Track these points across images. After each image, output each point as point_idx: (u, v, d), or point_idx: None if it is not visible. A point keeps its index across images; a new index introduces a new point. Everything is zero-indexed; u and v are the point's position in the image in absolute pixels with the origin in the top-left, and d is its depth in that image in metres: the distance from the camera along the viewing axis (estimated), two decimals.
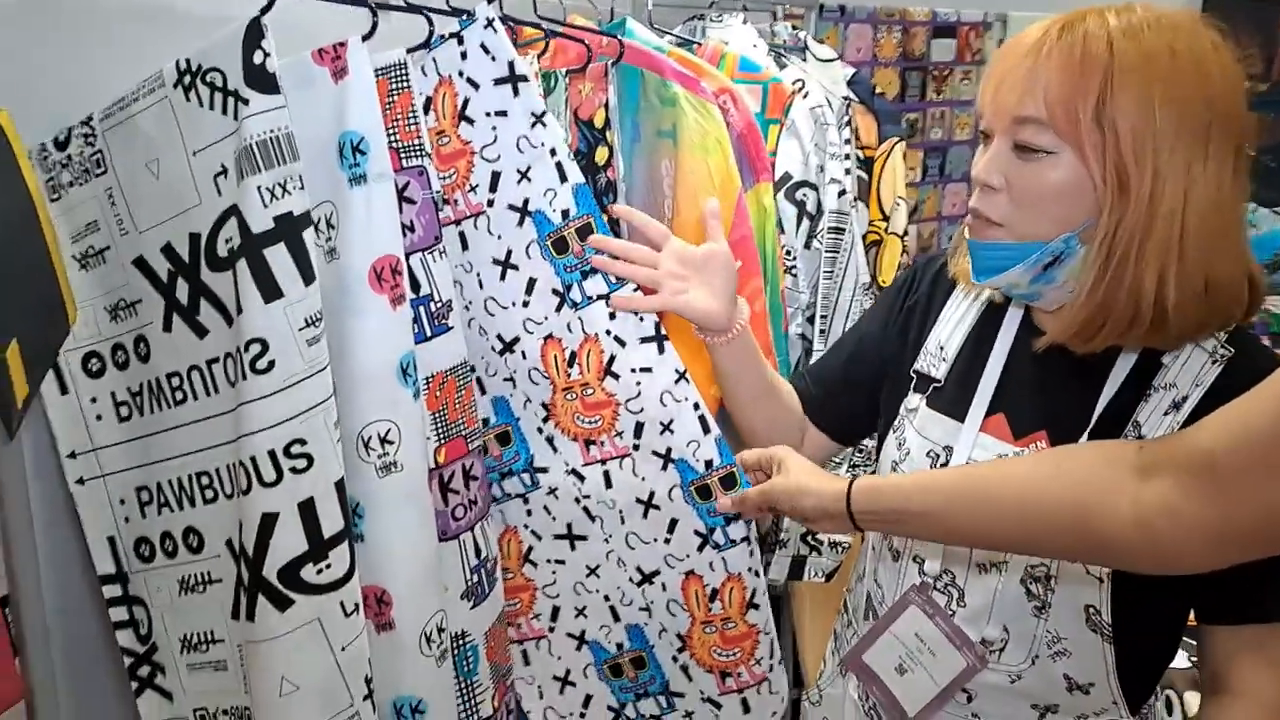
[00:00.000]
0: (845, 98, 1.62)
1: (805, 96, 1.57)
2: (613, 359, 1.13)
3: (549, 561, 1.24)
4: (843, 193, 1.57)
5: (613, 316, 1.12)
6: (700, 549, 1.18)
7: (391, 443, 1.00)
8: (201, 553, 1.03)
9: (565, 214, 1.10)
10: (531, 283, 1.13)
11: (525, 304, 1.13)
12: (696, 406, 1.13)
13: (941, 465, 1.05)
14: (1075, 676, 1.01)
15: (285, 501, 0.92)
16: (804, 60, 1.72)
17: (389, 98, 0.99)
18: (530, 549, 1.24)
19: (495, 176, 1.11)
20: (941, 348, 1.10)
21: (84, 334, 1.04)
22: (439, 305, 1.03)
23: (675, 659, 1.23)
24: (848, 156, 1.61)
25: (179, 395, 1.00)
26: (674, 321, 1.18)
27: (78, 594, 1.09)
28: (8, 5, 0.94)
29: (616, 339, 1.12)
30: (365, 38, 0.97)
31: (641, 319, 1.13)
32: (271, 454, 0.91)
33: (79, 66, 1.01)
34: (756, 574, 1.19)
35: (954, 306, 1.12)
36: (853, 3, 2.18)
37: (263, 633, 0.93)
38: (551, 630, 1.26)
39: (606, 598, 1.23)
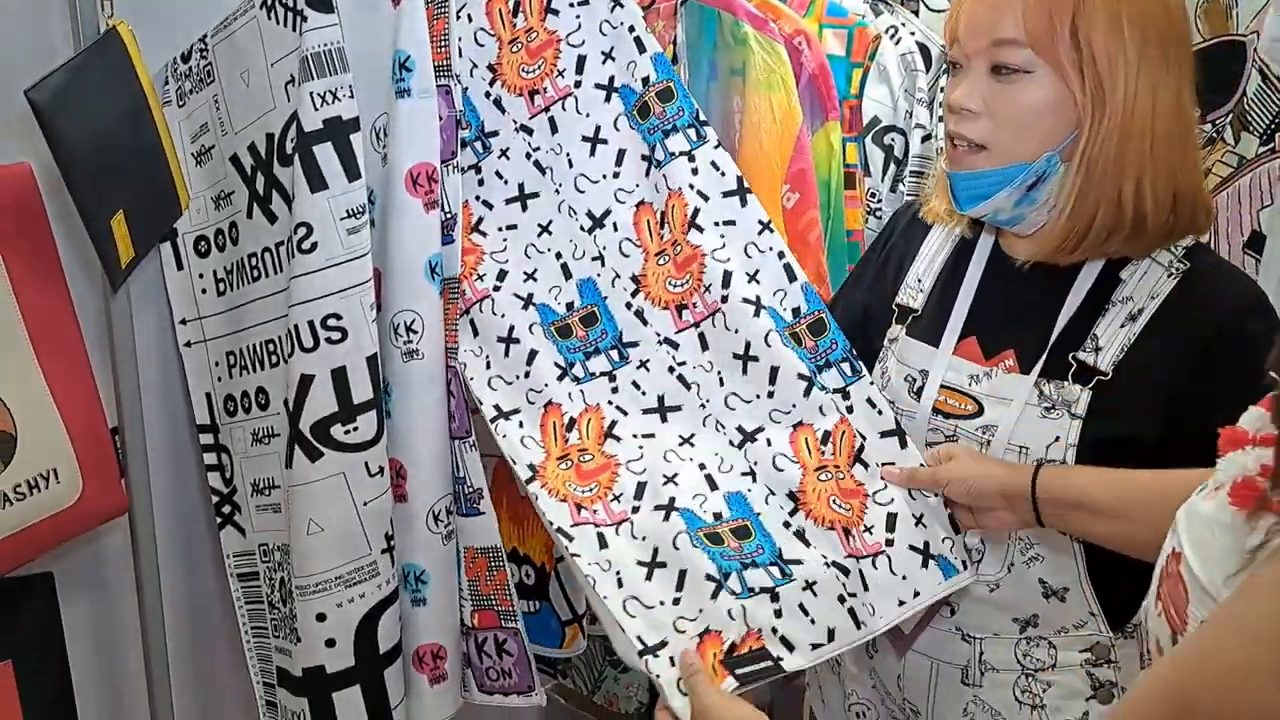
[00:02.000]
0: (944, 45, 1.60)
1: (897, 43, 1.57)
2: (697, 212, 1.15)
3: (635, 436, 1.16)
4: (926, 138, 1.57)
5: (695, 172, 1.16)
6: (806, 393, 1.11)
7: (416, 332, 1.14)
8: (267, 410, 1.21)
9: (645, 80, 1.18)
10: (621, 154, 1.20)
11: (615, 175, 1.20)
12: (781, 255, 1.14)
13: (918, 389, 1.09)
14: (1050, 580, 1.03)
15: (320, 366, 1.07)
16: (915, 8, 1.71)
17: (430, 22, 1.11)
18: (614, 423, 1.17)
19: (581, 60, 1.20)
20: (919, 280, 1.15)
21: (197, 220, 1.25)
22: (447, 216, 1.15)
23: (788, 525, 1.08)
24: (933, 103, 1.59)
25: (255, 273, 1.18)
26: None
27: (182, 441, 1.31)
28: None
29: (700, 193, 1.16)
30: None
31: (723, 174, 1.16)
32: (310, 324, 1.07)
33: None
34: (860, 434, 1.09)
35: (930, 243, 1.16)
36: None
37: (297, 479, 1.10)
38: (635, 510, 1.10)
39: (702, 466, 1.13)
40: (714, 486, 1.11)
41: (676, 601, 1.02)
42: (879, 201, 1.60)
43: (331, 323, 1.07)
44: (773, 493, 1.10)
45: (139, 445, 1.18)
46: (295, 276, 1.07)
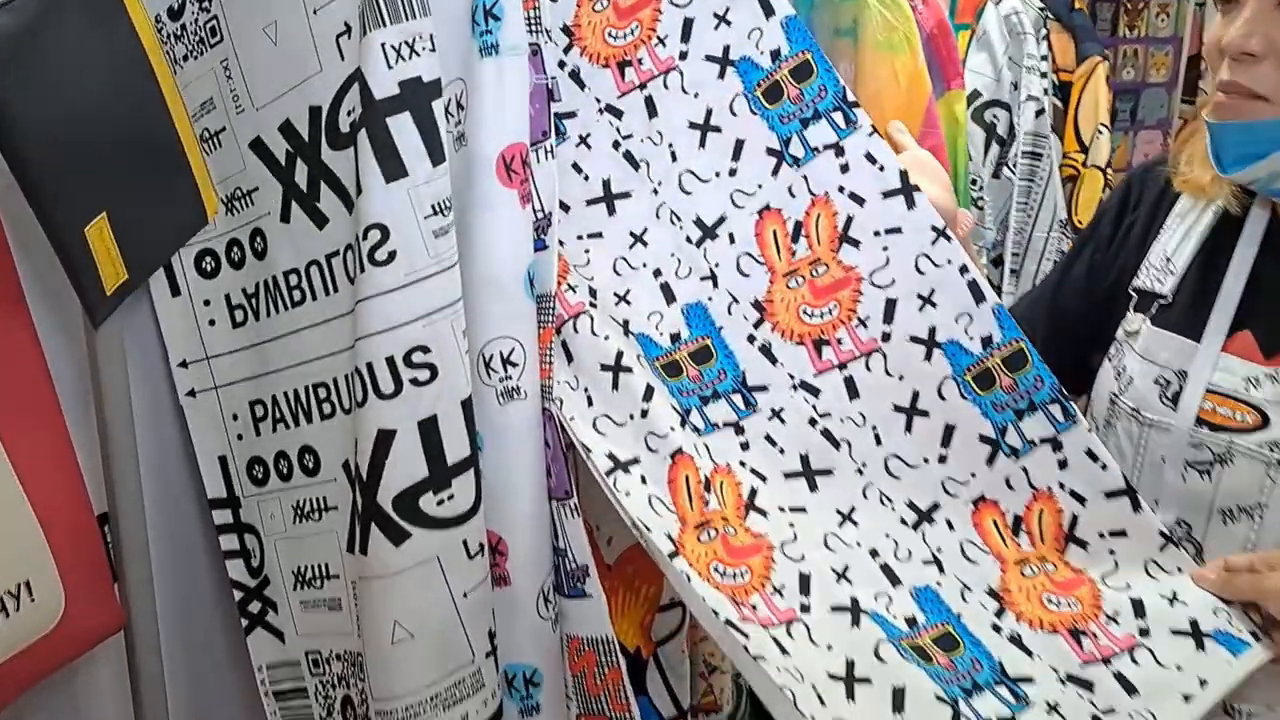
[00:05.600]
0: (1041, 8, 1.42)
1: (998, 3, 1.38)
2: (850, 221, 0.93)
3: (782, 511, 0.95)
4: (1040, 112, 1.37)
5: (845, 169, 0.93)
6: (990, 460, 0.92)
7: (515, 364, 0.87)
8: (317, 475, 0.92)
9: (775, 54, 0.93)
10: (739, 145, 0.96)
11: (732, 173, 0.96)
12: (964, 270, 0.91)
13: (1173, 394, 0.92)
14: None
15: (404, 418, 0.80)
16: None
17: None
18: (754, 492, 0.95)
19: (688, 24, 0.95)
20: (1168, 259, 0.96)
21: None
22: (541, 215, 0.89)
23: (998, 629, 0.90)
24: (1044, 74, 1.40)
25: (297, 295, 0.89)
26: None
27: (186, 520, 1.00)
28: None
29: (853, 196, 0.93)
30: None
31: (882, 168, 0.92)
32: (390, 361, 0.79)
33: None
34: (1078, 497, 0.90)
35: (1180, 216, 0.97)
36: None
37: (375, 569, 0.82)
38: (805, 609, 0.89)
39: (874, 553, 0.93)
40: (895, 581, 0.92)
41: None
42: (980, 189, 1.39)
43: (417, 358, 0.80)
44: (969, 588, 0.91)
45: (138, 538, 0.88)
46: (366, 298, 0.79)
